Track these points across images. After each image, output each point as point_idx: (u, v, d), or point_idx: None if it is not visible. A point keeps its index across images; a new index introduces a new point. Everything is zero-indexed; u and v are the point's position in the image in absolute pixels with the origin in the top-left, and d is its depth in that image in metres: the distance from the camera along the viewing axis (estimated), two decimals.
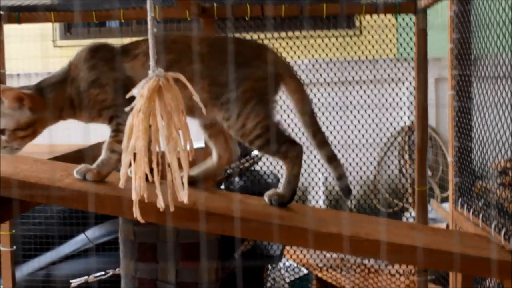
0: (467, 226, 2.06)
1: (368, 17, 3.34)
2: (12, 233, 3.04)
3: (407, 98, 3.49)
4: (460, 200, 2.20)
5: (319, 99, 3.51)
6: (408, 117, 3.63)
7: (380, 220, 2.07)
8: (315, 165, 3.48)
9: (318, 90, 3.50)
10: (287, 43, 3.49)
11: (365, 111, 3.55)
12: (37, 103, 1.73)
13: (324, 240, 1.64)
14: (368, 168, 3.62)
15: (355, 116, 3.53)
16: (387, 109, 3.54)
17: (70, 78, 1.78)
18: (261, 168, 3.66)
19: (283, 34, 3.69)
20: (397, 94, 3.51)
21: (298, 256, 3.88)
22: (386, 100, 3.55)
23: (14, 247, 3.05)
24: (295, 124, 3.20)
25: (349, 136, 3.52)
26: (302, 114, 1.87)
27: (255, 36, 3.50)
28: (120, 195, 1.60)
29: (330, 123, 3.51)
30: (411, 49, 3.23)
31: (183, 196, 1.46)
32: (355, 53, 3.52)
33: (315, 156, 1.90)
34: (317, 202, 3.97)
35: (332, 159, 1.87)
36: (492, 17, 1.92)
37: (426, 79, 3.10)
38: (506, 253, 1.67)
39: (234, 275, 3.04)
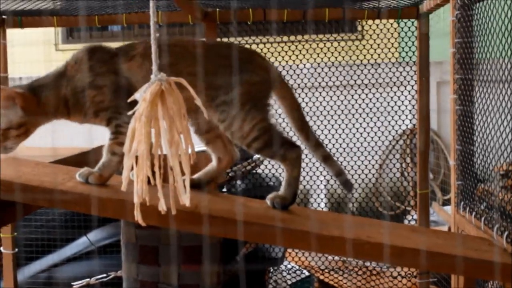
0: (469, 229, 2.06)
1: (370, 21, 3.35)
2: (14, 235, 3.05)
3: (409, 102, 3.49)
4: (462, 203, 2.20)
5: (321, 103, 3.51)
6: (410, 121, 3.63)
7: (382, 223, 2.07)
8: (317, 168, 3.48)
9: (320, 93, 3.50)
10: (289, 47, 3.49)
11: (367, 114, 3.55)
12: (29, 102, 1.73)
13: (326, 243, 1.64)
14: (370, 171, 3.62)
15: (357, 120, 3.53)
16: (389, 113, 3.54)
17: (66, 78, 1.78)
18: (262, 171, 3.66)
19: (285, 38, 3.70)
20: (399, 97, 3.51)
21: (300, 259, 3.88)
22: (388, 103, 3.55)
23: (16, 249, 3.05)
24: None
25: (351, 139, 3.52)
26: (293, 120, 1.88)
27: (257, 40, 3.50)
28: (122, 198, 1.61)
29: (332, 126, 3.50)
30: (413, 53, 3.24)
31: (185, 199, 1.47)
32: (357, 57, 3.52)
33: (316, 159, 1.91)
34: (318, 205, 3.96)
35: (327, 158, 1.89)
36: (494, 22, 1.92)
37: (428, 83, 3.11)
38: (508, 256, 1.67)
39: (236, 277, 3.04)
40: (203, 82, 1.73)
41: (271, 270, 3.84)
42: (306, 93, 3.45)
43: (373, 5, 3.09)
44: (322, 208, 4.28)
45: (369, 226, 1.89)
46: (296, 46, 3.51)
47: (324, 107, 3.51)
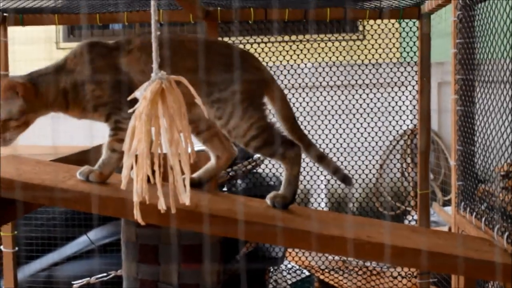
0: (469, 230, 2.06)
1: (371, 21, 3.35)
2: (14, 234, 3.05)
3: (410, 102, 3.49)
4: (462, 203, 2.20)
5: (321, 103, 3.51)
6: (411, 121, 3.62)
7: (382, 223, 2.07)
8: (317, 168, 3.48)
9: (321, 93, 3.50)
10: (290, 47, 3.49)
11: (368, 114, 3.55)
12: (29, 92, 1.73)
13: (326, 242, 1.64)
14: (370, 171, 3.62)
15: (357, 120, 3.53)
16: (389, 113, 3.54)
17: (65, 71, 1.77)
18: (263, 170, 3.66)
19: (286, 37, 3.70)
20: (400, 98, 3.51)
21: (300, 258, 3.88)
22: (389, 103, 3.55)
23: (16, 248, 3.05)
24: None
25: (351, 139, 3.52)
26: (285, 121, 1.88)
27: (258, 40, 3.50)
28: (122, 197, 1.61)
29: (333, 126, 3.50)
30: (414, 53, 3.23)
31: (185, 198, 1.46)
32: (358, 57, 3.52)
33: (311, 160, 1.91)
34: (319, 204, 3.96)
35: (322, 157, 1.89)
36: (496, 22, 1.92)
37: (429, 83, 3.10)
38: (508, 256, 1.67)
39: (236, 277, 3.04)
40: (198, 76, 1.73)
41: (271, 269, 3.84)
42: (307, 93, 3.45)
43: (375, 5, 3.09)
44: (323, 208, 4.28)
45: (369, 226, 1.89)
46: (297, 45, 3.51)
47: (325, 107, 3.51)
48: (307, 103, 3.44)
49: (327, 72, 3.51)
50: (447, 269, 1.87)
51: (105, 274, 3.33)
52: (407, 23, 3.28)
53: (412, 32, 3.27)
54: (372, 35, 3.42)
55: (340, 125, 3.52)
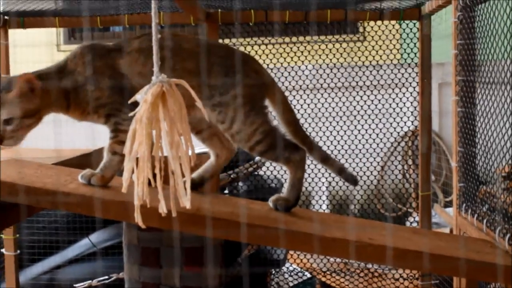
0: (471, 231, 2.05)
1: (372, 22, 3.35)
2: (16, 237, 3.05)
3: (411, 103, 3.49)
4: (464, 205, 2.20)
5: (322, 104, 3.51)
6: (412, 122, 3.63)
7: (383, 225, 2.07)
8: (319, 170, 3.48)
9: (322, 95, 3.51)
10: (291, 49, 3.49)
11: (369, 116, 3.55)
12: (41, 88, 1.72)
13: (328, 245, 1.64)
14: (371, 172, 3.62)
15: (359, 121, 3.53)
16: (390, 114, 3.54)
17: (66, 72, 1.76)
18: (264, 173, 3.66)
19: (287, 39, 3.70)
20: (400, 99, 3.51)
21: (301, 261, 3.87)
22: (390, 105, 3.55)
23: (18, 251, 3.05)
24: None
25: (353, 141, 3.52)
26: (288, 124, 1.86)
27: (259, 41, 3.51)
28: (124, 200, 1.60)
29: (334, 127, 3.51)
30: (415, 54, 3.24)
31: (186, 201, 1.46)
32: (359, 58, 3.52)
33: (316, 161, 1.91)
34: (320, 206, 3.96)
35: (326, 158, 1.89)
36: (496, 23, 1.92)
37: (430, 84, 3.10)
38: (510, 258, 1.66)
39: (238, 279, 3.04)
40: (198, 78, 1.72)
41: (273, 272, 3.84)
42: (307, 95, 3.45)
43: (375, 6, 3.09)
44: (324, 210, 4.28)
45: (371, 228, 1.89)
46: (298, 47, 3.51)
47: (326, 108, 3.51)
48: (308, 105, 3.44)
49: (327, 74, 3.51)
50: (449, 271, 1.87)
51: (107, 277, 3.33)
52: (407, 24, 3.29)
53: (412, 33, 3.27)
54: (372, 37, 3.42)
55: (341, 126, 3.52)
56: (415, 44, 3.24)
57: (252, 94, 1.77)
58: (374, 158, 3.56)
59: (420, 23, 3.10)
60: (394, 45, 3.44)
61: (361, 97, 3.54)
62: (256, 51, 3.48)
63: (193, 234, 2.39)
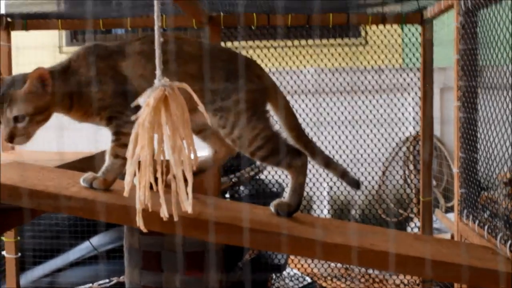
0: (472, 237, 2.05)
1: (374, 26, 3.35)
2: (17, 240, 3.05)
3: (412, 108, 3.49)
4: (465, 211, 2.19)
5: (324, 108, 3.51)
6: (414, 127, 3.63)
7: (385, 231, 2.06)
8: (320, 175, 3.48)
9: (324, 99, 3.50)
10: (293, 52, 3.49)
11: (371, 120, 3.55)
12: (52, 83, 1.71)
13: (330, 250, 1.63)
14: (373, 178, 3.61)
15: (360, 126, 3.53)
16: (392, 119, 3.54)
17: (69, 72, 1.74)
18: (266, 177, 3.66)
19: (289, 42, 3.70)
20: (402, 104, 3.51)
21: (302, 265, 3.87)
22: (392, 109, 3.55)
23: (19, 254, 3.05)
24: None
25: (354, 146, 3.52)
26: (290, 129, 1.86)
27: (261, 45, 3.51)
28: (126, 204, 1.60)
29: (336, 132, 3.51)
30: (417, 59, 3.24)
31: (187, 206, 1.46)
32: (361, 62, 3.53)
33: (319, 166, 1.90)
34: (321, 211, 3.96)
35: (329, 162, 1.88)
36: (498, 29, 1.92)
37: (432, 89, 3.10)
38: (511, 265, 1.66)
39: (239, 284, 3.04)
40: (200, 82, 1.71)
41: (274, 276, 3.84)
42: (309, 98, 3.45)
43: (377, 10, 3.09)
44: (325, 215, 4.28)
45: (372, 234, 1.89)
46: (300, 51, 3.51)
47: (328, 112, 3.51)
48: (310, 109, 3.44)
49: (329, 78, 3.51)
50: (450, 278, 1.87)
51: (107, 281, 3.32)
52: (409, 28, 3.29)
53: (414, 37, 3.28)
54: (374, 41, 3.43)
55: (342, 131, 3.52)
56: (417, 48, 3.24)
57: (254, 99, 1.76)
58: (376, 163, 3.56)
59: (422, 28, 3.10)
60: (396, 50, 3.44)
61: (363, 101, 3.54)
62: (258, 55, 3.48)
63: (195, 239, 2.39)
